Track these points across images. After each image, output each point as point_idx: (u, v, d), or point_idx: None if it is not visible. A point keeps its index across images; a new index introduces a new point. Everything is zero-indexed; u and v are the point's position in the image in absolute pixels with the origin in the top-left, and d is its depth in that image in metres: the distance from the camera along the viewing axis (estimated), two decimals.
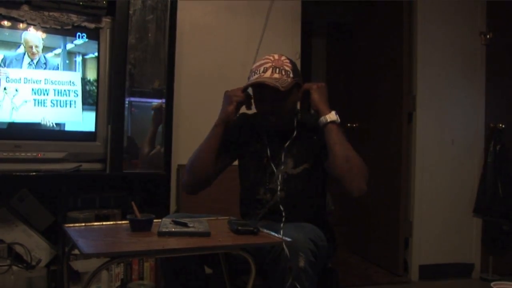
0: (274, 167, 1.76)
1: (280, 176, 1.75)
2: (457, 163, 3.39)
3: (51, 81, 2.38)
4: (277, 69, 1.68)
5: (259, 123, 1.83)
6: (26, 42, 2.32)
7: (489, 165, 3.32)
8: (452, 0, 3.38)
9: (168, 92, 2.60)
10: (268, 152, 1.78)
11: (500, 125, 3.37)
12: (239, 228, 1.47)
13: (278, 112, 1.71)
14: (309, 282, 1.45)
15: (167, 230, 1.45)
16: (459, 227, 3.39)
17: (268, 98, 1.70)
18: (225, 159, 1.84)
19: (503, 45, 3.43)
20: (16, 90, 2.31)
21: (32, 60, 2.34)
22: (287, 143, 1.75)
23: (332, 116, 1.66)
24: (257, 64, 1.72)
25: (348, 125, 4.10)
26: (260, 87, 1.69)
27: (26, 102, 2.32)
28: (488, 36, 3.39)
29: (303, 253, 1.44)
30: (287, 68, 1.70)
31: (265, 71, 1.68)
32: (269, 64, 1.69)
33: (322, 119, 1.67)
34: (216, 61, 2.98)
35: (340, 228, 3.45)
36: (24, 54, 2.32)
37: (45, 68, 2.37)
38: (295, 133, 1.76)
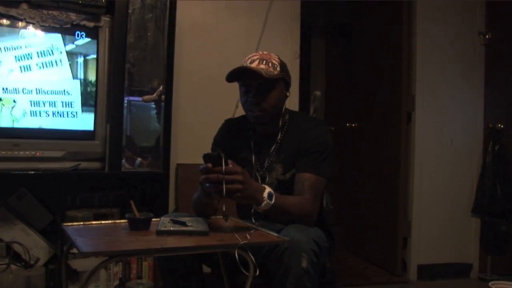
0: (264, 174, 1.76)
1: (271, 183, 1.74)
2: (456, 163, 3.40)
3: (50, 79, 2.37)
4: (264, 61, 1.70)
5: (245, 126, 1.84)
6: (20, 35, 2.31)
7: (487, 165, 3.33)
8: (452, 0, 3.39)
9: (167, 91, 2.60)
10: (256, 159, 1.78)
11: (499, 125, 3.37)
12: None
13: (261, 102, 1.70)
14: (311, 283, 1.45)
15: (165, 229, 1.45)
16: (457, 227, 3.39)
17: (252, 89, 1.70)
18: None
19: (502, 45, 3.43)
20: (14, 101, 2.30)
21: (27, 58, 2.33)
22: (274, 148, 1.76)
23: (264, 206, 1.53)
24: (246, 58, 1.75)
25: (347, 125, 4.11)
26: (244, 76, 1.70)
27: (25, 112, 2.32)
28: (487, 36, 3.40)
29: (306, 253, 1.43)
30: (274, 62, 1.72)
31: (251, 62, 1.70)
32: (257, 57, 1.72)
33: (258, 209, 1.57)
34: (215, 60, 2.98)
35: (338, 228, 3.45)
36: (21, 51, 2.31)
37: (42, 68, 2.36)
38: (280, 135, 1.77)
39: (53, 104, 2.38)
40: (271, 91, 1.71)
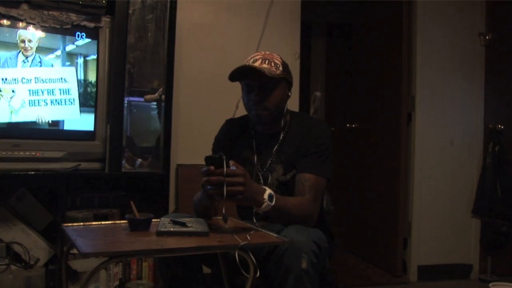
0: (266, 174, 1.76)
1: (272, 183, 1.75)
2: (456, 164, 3.40)
3: (48, 79, 2.37)
4: (267, 61, 1.70)
5: (246, 126, 1.84)
6: (19, 37, 2.31)
7: (487, 165, 3.33)
8: (452, 0, 3.39)
9: (167, 92, 2.60)
10: (257, 160, 1.78)
11: (499, 126, 3.37)
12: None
13: (264, 101, 1.70)
14: (311, 284, 1.45)
15: (165, 229, 1.45)
16: (457, 227, 3.39)
17: (255, 88, 1.70)
18: None
19: (502, 46, 3.43)
20: (13, 91, 2.30)
21: (26, 58, 2.33)
22: (275, 148, 1.76)
23: (264, 207, 1.54)
24: (248, 58, 1.75)
25: (347, 125, 4.11)
26: (246, 75, 1.70)
27: (23, 101, 2.32)
28: (487, 37, 3.40)
29: (306, 254, 1.43)
30: (277, 62, 1.72)
31: (254, 62, 1.70)
32: (259, 56, 1.72)
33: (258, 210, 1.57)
34: (215, 61, 2.98)
35: (339, 228, 3.45)
36: (19, 52, 2.31)
37: (40, 67, 2.36)
38: (281, 136, 1.77)
39: (51, 92, 2.37)
40: (274, 90, 1.71)
